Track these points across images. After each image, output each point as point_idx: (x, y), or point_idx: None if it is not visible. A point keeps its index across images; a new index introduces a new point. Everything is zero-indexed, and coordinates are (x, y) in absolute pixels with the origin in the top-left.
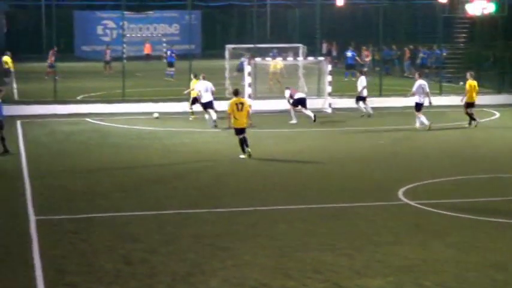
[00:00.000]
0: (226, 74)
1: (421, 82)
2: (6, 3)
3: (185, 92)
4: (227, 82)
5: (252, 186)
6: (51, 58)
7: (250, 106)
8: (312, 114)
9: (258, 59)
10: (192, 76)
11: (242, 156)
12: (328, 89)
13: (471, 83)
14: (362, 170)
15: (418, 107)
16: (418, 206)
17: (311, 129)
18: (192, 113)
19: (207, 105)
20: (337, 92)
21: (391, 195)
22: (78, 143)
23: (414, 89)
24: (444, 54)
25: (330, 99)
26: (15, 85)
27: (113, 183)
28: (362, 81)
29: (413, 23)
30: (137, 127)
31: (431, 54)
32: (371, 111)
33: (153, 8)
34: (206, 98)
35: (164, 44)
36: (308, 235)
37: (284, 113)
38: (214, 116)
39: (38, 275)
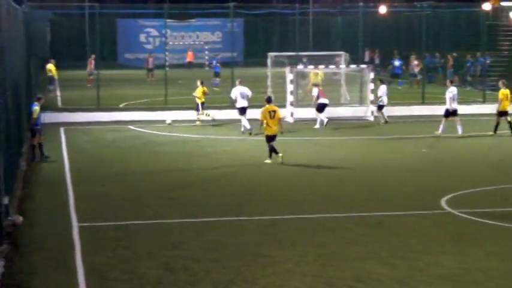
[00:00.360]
0: (269, 82)
1: (452, 89)
2: (51, 12)
3: (194, 93)
4: (269, 90)
5: (293, 193)
6: (90, 66)
7: (292, 114)
8: (324, 121)
9: (300, 67)
10: (198, 83)
11: (267, 161)
12: (371, 97)
13: (504, 91)
14: (404, 178)
15: (453, 113)
16: (461, 214)
17: (353, 137)
18: (208, 114)
19: (243, 111)
20: None
21: (434, 203)
22: (120, 150)
23: (447, 96)
24: (488, 62)
25: (372, 107)
26: (58, 92)
27: (155, 191)
28: (382, 90)
29: (457, 31)
30: (179, 134)
31: (474, 62)
32: (386, 119)
33: (196, 16)
34: (242, 103)
35: (206, 52)
36: (350, 243)
37: (328, 121)
38: (247, 123)
39: (80, 281)
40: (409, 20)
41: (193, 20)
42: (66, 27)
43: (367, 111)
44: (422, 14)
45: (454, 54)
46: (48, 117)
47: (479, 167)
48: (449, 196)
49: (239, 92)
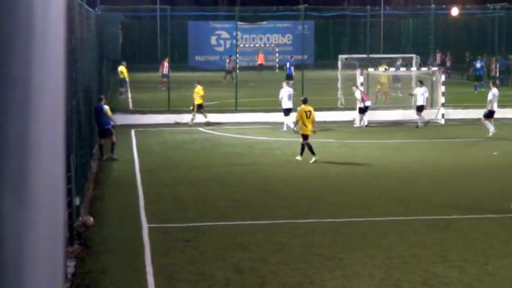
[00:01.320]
0: (339, 85)
1: (494, 91)
2: (122, 14)
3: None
4: (339, 92)
5: (361, 196)
6: (162, 69)
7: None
8: (364, 123)
9: (370, 69)
10: (196, 84)
11: (298, 158)
12: (442, 99)
13: None
14: (474, 181)
15: (491, 114)
16: None
17: (422, 140)
18: (206, 115)
19: (289, 111)
20: (451, 103)
21: (504, 207)
22: (190, 152)
23: (489, 98)
24: None
25: (443, 110)
26: (130, 94)
27: (223, 193)
28: (422, 92)
29: None
30: (249, 137)
31: None
32: (420, 124)
33: (266, 18)
34: (287, 104)
35: (277, 54)
36: (418, 246)
37: (396, 123)
38: (290, 123)
39: (149, 281)
40: (481, 21)
41: (264, 22)
42: (137, 29)
43: (437, 114)
44: (494, 16)
45: None
46: (120, 119)
47: None
48: None
49: (287, 94)
